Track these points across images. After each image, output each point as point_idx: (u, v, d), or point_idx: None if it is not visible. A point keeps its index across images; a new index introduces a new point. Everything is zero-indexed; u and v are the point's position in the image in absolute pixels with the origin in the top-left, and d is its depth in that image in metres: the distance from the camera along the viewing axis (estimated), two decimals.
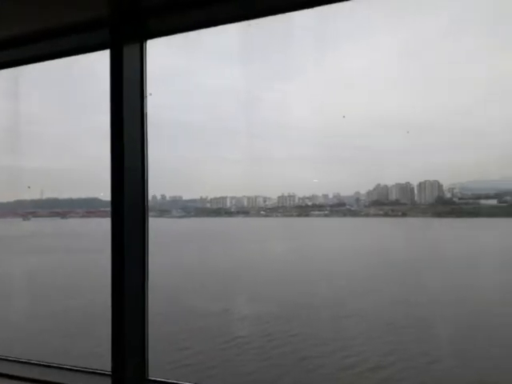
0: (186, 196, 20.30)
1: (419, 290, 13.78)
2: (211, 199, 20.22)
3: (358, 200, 17.11)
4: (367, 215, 16.52)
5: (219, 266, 18.77)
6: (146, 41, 2.83)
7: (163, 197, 18.66)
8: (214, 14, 2.75)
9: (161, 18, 2.76)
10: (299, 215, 17.75)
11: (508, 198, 13.70)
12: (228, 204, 19.33)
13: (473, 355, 7.25)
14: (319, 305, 11.87)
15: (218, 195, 19.85)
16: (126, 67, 2.70)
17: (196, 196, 20.65)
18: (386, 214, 16.22)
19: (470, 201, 15.00)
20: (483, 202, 14.41)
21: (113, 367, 2.50)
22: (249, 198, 18.99)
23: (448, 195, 15.38)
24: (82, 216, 19.18)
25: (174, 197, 19.44)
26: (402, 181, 15.90)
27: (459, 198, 15.28)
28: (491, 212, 13.77)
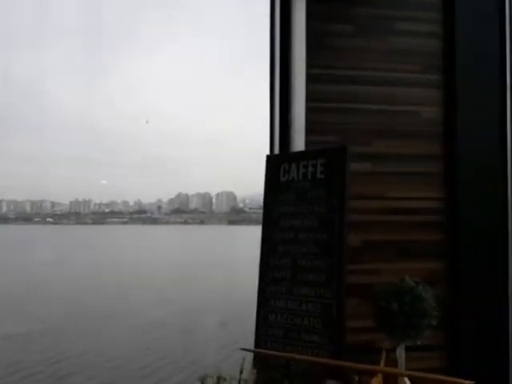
0: None
1: (208, 295, 14.60)
2: None
3: (159, 208, 17.08)
4: (167, 223, 16.63)
5: None
6: None
7: None
8: None
9: None
10: (95, 223, 16.39)
11: None
12: (4, 209, 16.13)
13: None
14: (119, 321, 11.18)
15: None
16: None
17: None
18: (185, 222, 16.72)
19: (258, 210, 16.99)
20: None
21: None
22: (33, 203, 16.30)
23: (241, 205, 17.01)
24: None
25: None
26: (202, 190, 16.71)
27: (249, 208, 17.10)
28: None
